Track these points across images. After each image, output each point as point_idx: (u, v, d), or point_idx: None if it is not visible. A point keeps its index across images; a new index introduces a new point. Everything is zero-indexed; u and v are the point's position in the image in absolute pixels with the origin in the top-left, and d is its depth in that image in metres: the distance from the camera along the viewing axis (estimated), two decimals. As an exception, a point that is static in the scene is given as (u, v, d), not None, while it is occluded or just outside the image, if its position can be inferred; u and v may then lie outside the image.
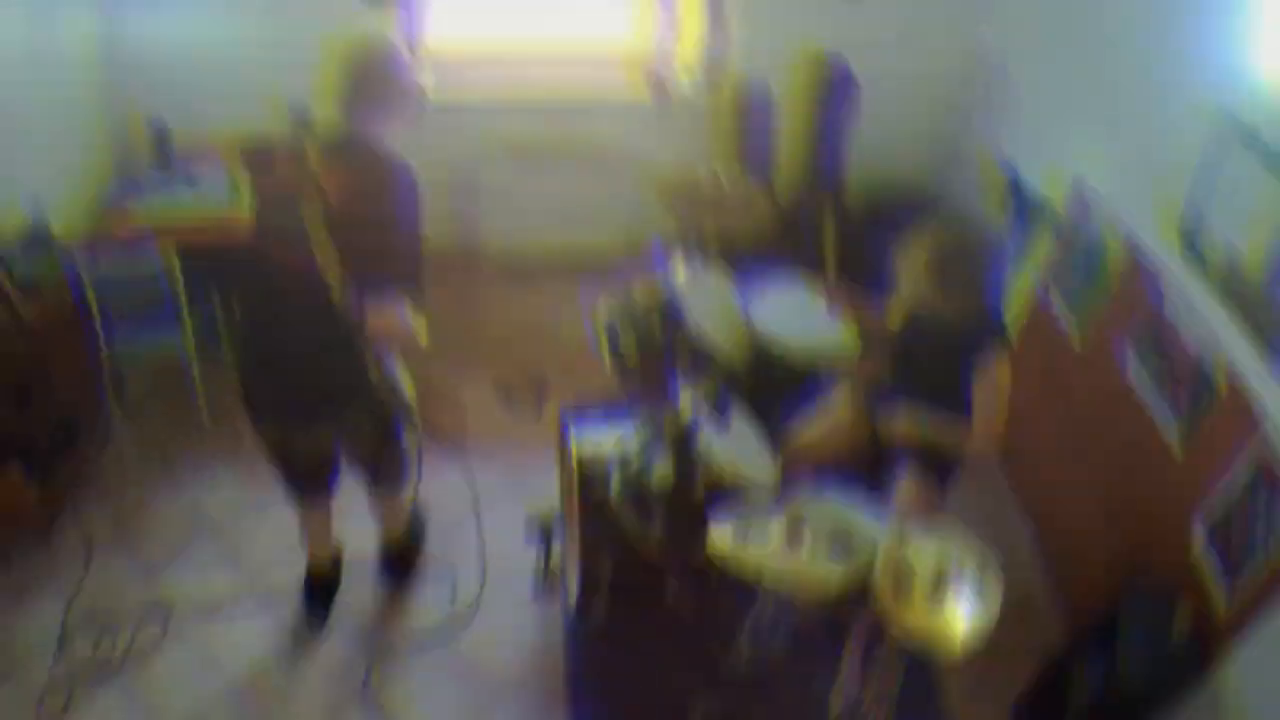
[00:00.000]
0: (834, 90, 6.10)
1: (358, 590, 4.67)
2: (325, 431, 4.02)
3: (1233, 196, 3.81)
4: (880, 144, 6.39)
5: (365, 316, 3.63)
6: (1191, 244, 4.02)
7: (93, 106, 5.62)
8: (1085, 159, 4.89)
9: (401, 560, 4.79)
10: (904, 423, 4.05)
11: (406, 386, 4.09)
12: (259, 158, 3.90)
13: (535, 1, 6.22)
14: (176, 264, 4.96)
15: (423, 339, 3.75)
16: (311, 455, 4.15)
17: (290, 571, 4.63)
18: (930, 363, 4.09)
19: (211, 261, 4.96)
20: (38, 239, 4.82)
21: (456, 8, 6.07)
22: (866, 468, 4.40)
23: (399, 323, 3.65)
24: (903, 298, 4.06)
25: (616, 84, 6.30)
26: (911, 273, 3.90)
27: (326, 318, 3.62)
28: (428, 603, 4.66)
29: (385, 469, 4.31)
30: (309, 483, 4.28)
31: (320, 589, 4.62)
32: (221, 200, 5.40)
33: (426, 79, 5.79)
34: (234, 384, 3.97)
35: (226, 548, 4.83)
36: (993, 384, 3.88)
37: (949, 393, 3.98)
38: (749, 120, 6.25)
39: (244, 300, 3.95)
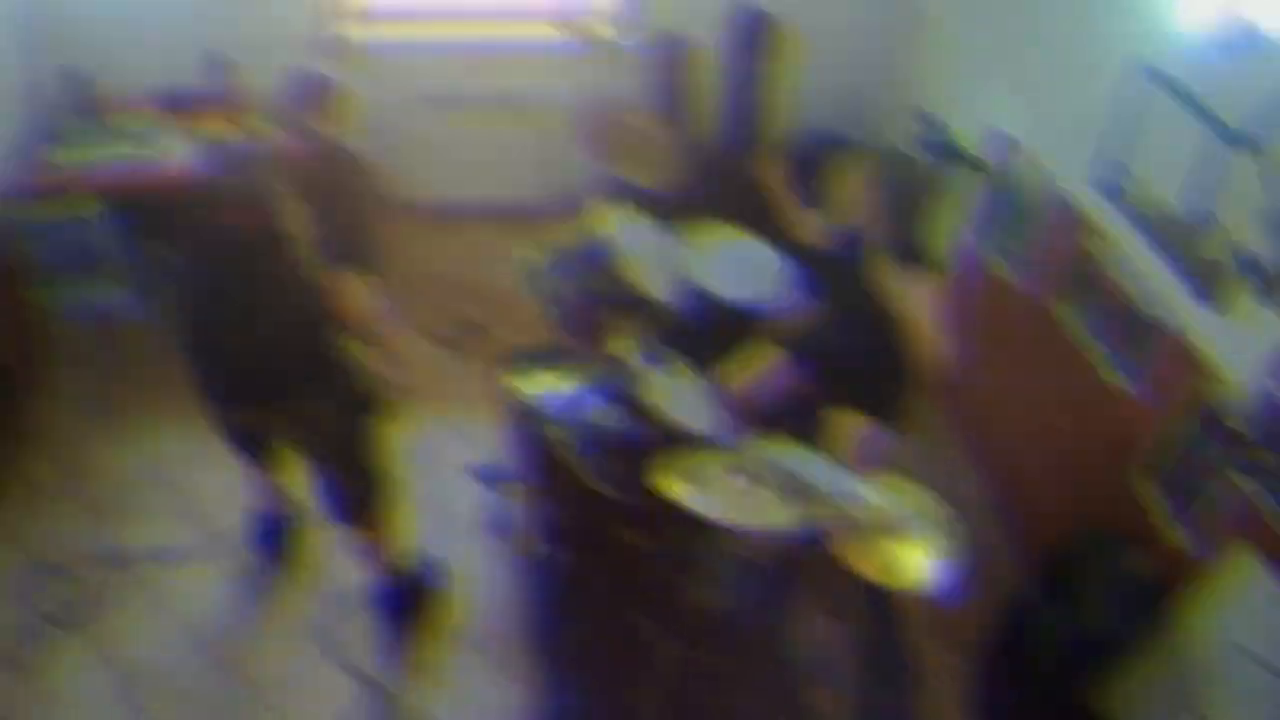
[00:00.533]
0: (744, 35, 6.19)
1: (315, 538, 4.70)
2: (279, 418, 3.86)
3: (1153, 142, 3.95)
4: (806, 94, 6.42)
5: (331, 291, 3.58)
6: (1115, 188, 4.15)
7: (12, 57, 5.49)
8: (1008, 108, 4.99)
9: (406, 596, 4.45)
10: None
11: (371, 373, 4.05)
12: (198, 112, 3.93)
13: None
14: (103, 214, 4.95)
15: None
16: (260, 432, 4.07)
17: (242, 517, 4.69)
18: (854, 285, 4.06)
19: (147, 216, 4.94)
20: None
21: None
22: (804, 411, 4.52)
23: (364, 300, 3.66)
24: (833, 213, 4.06)
25: (539, 33, 6.28)
26: (845, 189, 3.92)
27: (286, 289, 3.49)
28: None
29: (349, 479, 4.10)
30: (256, 451, 4.24)
31: (270, 532, 4.65)
32: (150, 153, 5.36)
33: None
34: (176, 348, 3.86)
35: (176, 496, 4.86)
36: (920, 301, 3.88)
37: (873, 316, 3.98)
38: (666, 67, 6.28)
39: (190, 263, 3.82)
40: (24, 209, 4.88)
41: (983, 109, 5.18)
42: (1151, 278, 3.99)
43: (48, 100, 5.69)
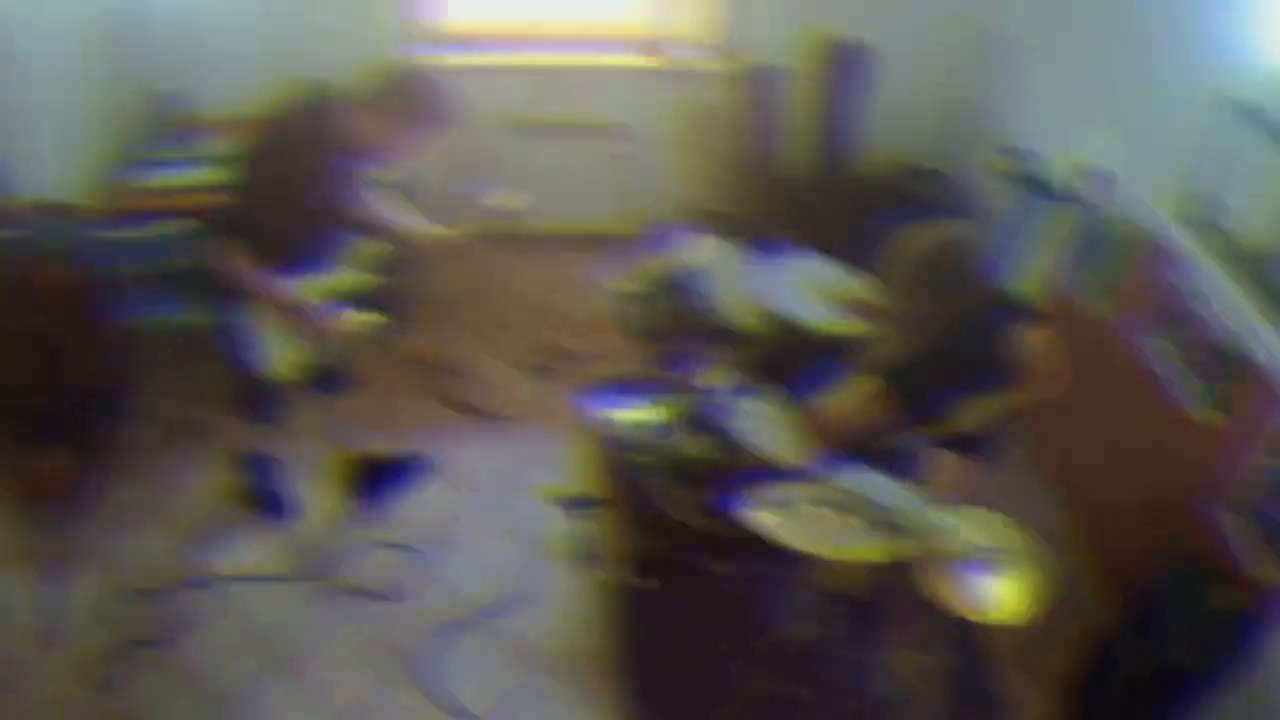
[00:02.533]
0: (845, 68, 6.21)
1: (402, 567, 4.74)
2: None
3: (1241, 174, 3.93)
4: (891, 125, 6.48)
5: None
6: (1203, 221, 4.13)
7: (103, 80, 5.59)
8: (1096, 140, 4.94)
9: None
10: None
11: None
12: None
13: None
14: (190, 237, 5.00)
15: None
16: None
17: (330, 542, 4.75)
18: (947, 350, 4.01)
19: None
20: (52, 212, 4.83)
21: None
22: (892, 444, 4.51)
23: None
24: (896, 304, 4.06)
25: (622, 59, 6.32)
26: (899, 284, 3.89)
27: None
28: (471, 581, 4.70)
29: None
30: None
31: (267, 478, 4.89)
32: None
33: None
34: None
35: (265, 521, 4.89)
36: (1034, 353, 3.87)
37: (973, 375, 3.97)
38: (759, 97, 6.30)
39: None
40: (112, 230, 4.94)
41: (1070, 143, 5.13)
42: (1240, 311, 3.95)
43: (136, 122, 5.80)
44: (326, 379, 4.65)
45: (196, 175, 5.46)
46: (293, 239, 4.12)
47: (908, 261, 3.84)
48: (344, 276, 4.30)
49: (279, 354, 4.30)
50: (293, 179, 3.94)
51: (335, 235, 4.24)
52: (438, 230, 4.18)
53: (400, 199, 4.35)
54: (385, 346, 4.75)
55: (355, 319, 4.35)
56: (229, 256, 4.02)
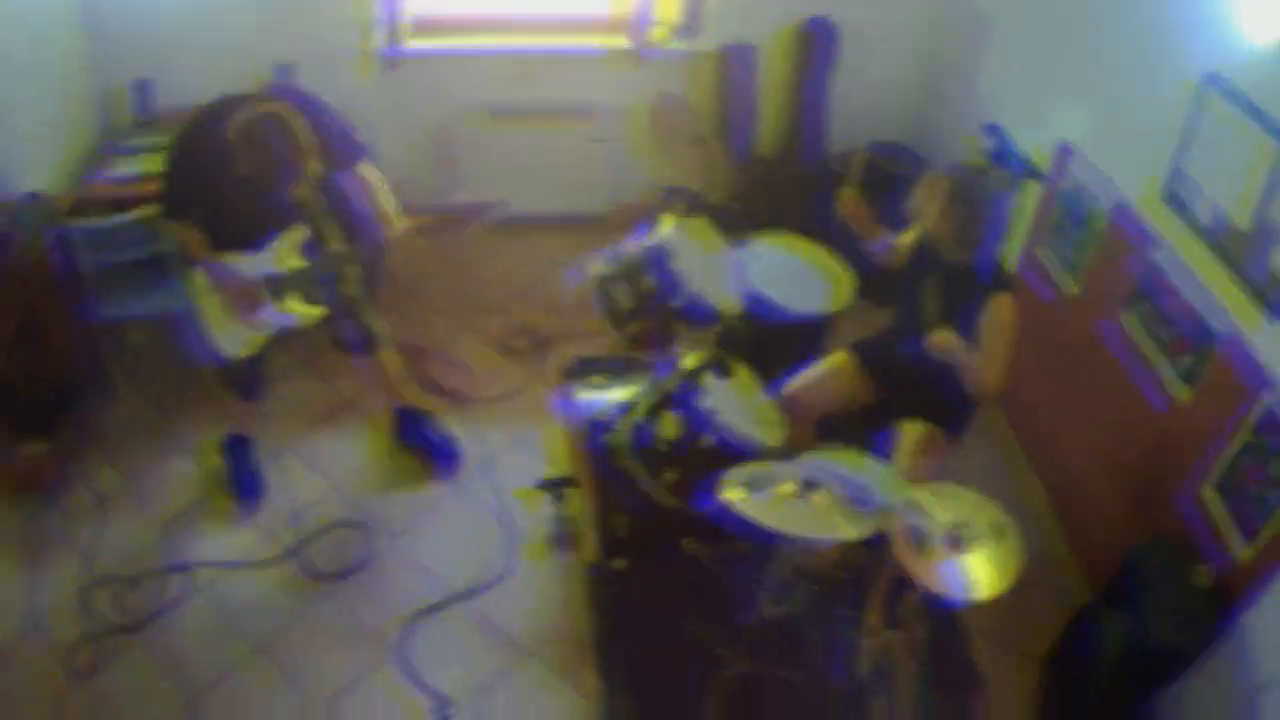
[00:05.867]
0: (816, 48, 6.21)
1: (382, 548, 4.76)
2: None
3: (1218, 155, 3.93)
4: (864, 105, 6.51)
5: None
6: (1178, 200, 4.14)
7: (76, 69, 5.59)
8: (1070, 118, 4.95)
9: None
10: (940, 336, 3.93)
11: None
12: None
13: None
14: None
15: None
16: None
17: (306, 525, 4.78)
18: (933, 304, 4.06)
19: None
20: (26, 201, 4.82)
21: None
22: (868, 421, 4.52)
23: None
24: (917, 230, 4.09)
25: (598, 44, 6.27)
26: (930, 205, 3.90)
27: None
28: (447, 563, 4.70)
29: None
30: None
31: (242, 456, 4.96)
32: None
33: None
34: None
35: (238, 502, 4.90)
36: (998, 323, 3.90)
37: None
38: (731, 78, 6.30)
39: None
40: (88, 220, 4.93)
41: (1048, 121, 5.14)
42: (1216, 289, 3.96)
43: (114, 112, 5.79)
44: (246, 377, 4.72)
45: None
46: (231, 225, 4.17)
47: (944, 191, 3.86)
48: (288, 262, 4.30)
49: (226, 337, 4.35)
50: (212, 166, 3.97)
51: (279, 223, 4.24)
52: (412, 214, 4.17)
53: (379, 184, 4.33)
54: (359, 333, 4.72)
55: (299, 307, 4.36)
56: (179, 240, 4.16)
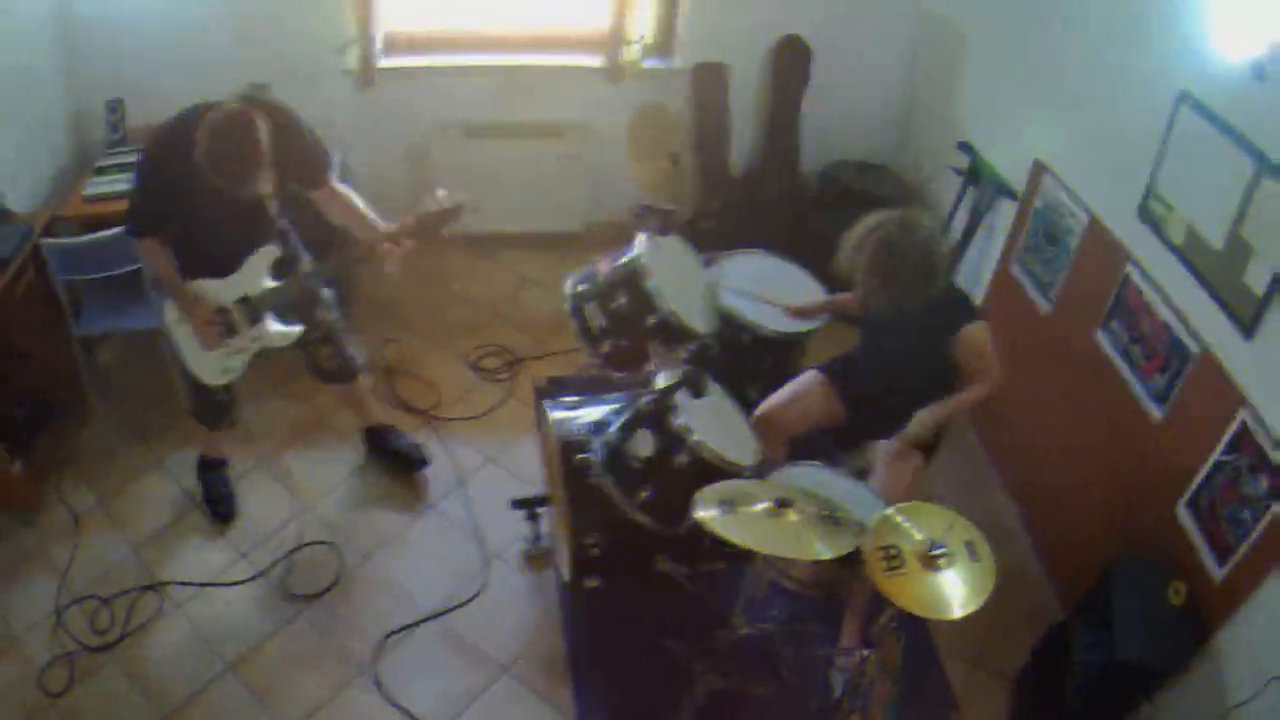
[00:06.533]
0: (789, 67, 6.22)
1: (355, 567, 4.74)
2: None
3: (1192, 173, 3.95)
4: (840, 123, 6.53)
5: None
6: (1151, 218, 4.15)
7: (51, 88, 5.58)
8: (1044, 135, 4.99)
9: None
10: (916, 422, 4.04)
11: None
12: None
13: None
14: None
15: None
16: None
17: (279, 544, 4.76)
18: (896, 340, 4.15)
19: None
20: (1, 220, 4.81)
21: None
22: (840, 440, 4.53)
23: None
24: (856, 293, 4.09)
25: (575, 60, 6.26)
26: (858, 261, 3.89)
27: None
28: (423, 581, 4.69)
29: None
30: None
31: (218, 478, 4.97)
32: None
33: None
34: None
35: (210, 522, 4.88)
36: (975, 349, 3.95)
37: (921, 363, 4.06)
38: (707, 97, 6.32)
39: None
40: (63, 237, 4.92)
41: (1022, 139, 5.16)
42: (1189, 307, 3.97)
43: (90, 130, 5.79)
44: (217, 407, 4.67)
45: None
46: (202, 244, 4.15)
47: (868, 240, 3.86)
48: (260, 283, 4.28)
49: (203, 366, 4.34)
50: (181, 179, 3.90)
51: (251, 242, 4.23)
52: (392, 231, 4.15)
53: (351, 196, 4.32)
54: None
55: (273, 328, 4.36)
56: (147, 259, 4.17)
